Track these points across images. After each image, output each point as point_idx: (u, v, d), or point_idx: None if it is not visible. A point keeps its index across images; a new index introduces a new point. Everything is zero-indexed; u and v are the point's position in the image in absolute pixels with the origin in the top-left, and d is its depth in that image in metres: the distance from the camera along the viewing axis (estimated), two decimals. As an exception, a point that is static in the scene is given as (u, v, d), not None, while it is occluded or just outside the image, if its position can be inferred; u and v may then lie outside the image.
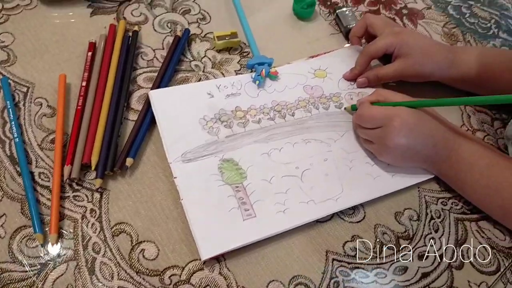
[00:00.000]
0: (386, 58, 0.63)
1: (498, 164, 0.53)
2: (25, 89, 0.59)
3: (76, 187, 0.52)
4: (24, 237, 0.49)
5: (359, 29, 0.66)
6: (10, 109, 0.56)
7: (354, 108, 0.59)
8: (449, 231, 0.55)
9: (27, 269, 0.47)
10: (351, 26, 0.69)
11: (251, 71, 0.64)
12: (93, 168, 0.53)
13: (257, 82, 0.61)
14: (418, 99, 0.55)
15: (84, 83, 0.59)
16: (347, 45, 0.69)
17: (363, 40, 0.68)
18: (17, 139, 0.54)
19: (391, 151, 0.54)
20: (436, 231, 0.54)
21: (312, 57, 0.66)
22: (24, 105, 0.57)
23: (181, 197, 0.51)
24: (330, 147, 0.58)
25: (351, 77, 0.64)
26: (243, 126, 0.58)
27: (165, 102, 0.58)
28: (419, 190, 0.57)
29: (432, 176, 0.58)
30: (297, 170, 0.55)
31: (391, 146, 0.53)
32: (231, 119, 0.59)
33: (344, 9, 0.71)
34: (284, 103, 0.61)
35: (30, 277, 0.46)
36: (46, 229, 0.49)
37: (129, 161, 0.54)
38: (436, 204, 0.57)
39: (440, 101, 0.55)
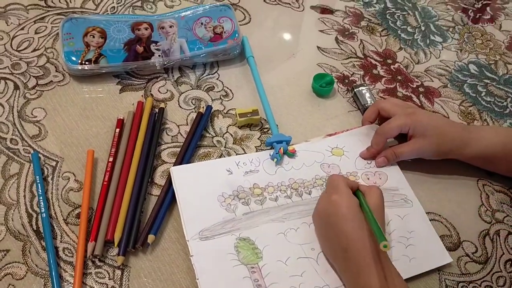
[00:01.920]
0: (401, 135, 0.65)
1: None
2: (54, 163, 0.61)
3: (99, 264, 0.54)
4: (46, 314, 0.50)
5: (371, 115, 0.68)
6: (39, 184, 0.58)
7: None
8: (469, 318, 0.54)
9: None
10: (368, 104, 0.71)
11: (270, 148, 0.66)
12: (115, 245, 0.54)
13: (275, 160, 0.63)
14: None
15: (111, 159, 0.61)
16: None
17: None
18: (44, 214, 0.56)
19: (315, 215, 0.56)
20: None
21: (330, 135, 0.68)
22: (52, 179, 0.60)
23: (197, 276, 0.52)
24: (347, 228, 0.58)
25: (368, 156, 0.66)
26: (261, 204, 0.60)
27: (185, 178, 0.60)
28: (439, 273, 0.57)
29: (451, 260, 0.57)
30: (312, 252, 0.56)
31: (317, 209, 0.56)
32: (248, 196, 0.60)
33: (362, 87, 0.73)
34: (301, 181, 0.63)
35: None
36: (67, 306, 0.50)
37: (150, 238, 0.55)
38: (457, 288, 0.56)
39: None
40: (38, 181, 0.58)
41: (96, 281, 0.52)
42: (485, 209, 0.64)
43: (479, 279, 0.57)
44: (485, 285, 0.57)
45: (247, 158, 0.64)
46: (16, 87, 0.68)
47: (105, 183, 0.59)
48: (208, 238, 0.55)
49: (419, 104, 0.75)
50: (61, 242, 0.55)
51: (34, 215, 0.57)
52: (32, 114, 0.66)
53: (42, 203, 0.57)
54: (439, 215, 0.62)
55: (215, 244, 0.55)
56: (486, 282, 0.57)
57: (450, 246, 0.60)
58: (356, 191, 0.55)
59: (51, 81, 0.70)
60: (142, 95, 0.70)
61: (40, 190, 0.58)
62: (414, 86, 0.78)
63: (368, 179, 0.64)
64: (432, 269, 0.57)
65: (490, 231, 0.62)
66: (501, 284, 0.57)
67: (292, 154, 0.65)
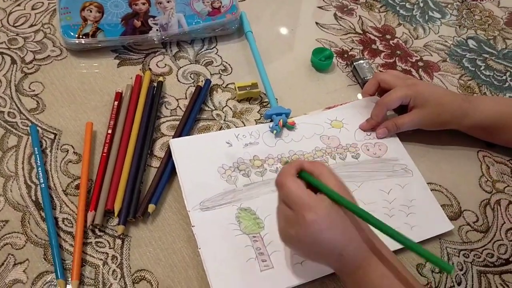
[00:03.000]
0: (401, 107, 0.65)
1: None
2: (52, 136, 0.61)
3: (99, 233, 0.53)
4: (46, 283, 0.49)
5: (371, 87, 0.67)
6: (38, 156, 0.58)
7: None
8: (472, 284, 0.54)
9: (47, 315, 0.47)
10: (368, 77, 0.71)
11: (270, 121, 0.66)
12: (116, 214, 0.54)
13: (275, 131, 0.63)
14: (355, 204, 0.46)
15: (109, 131, 0.61)
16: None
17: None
18: (43, 184, 0.55)
19: (293, 241, 0.47)
20: (459, 284, 0.54)
21: (329, 108, 0.68)
22: (51, 151, 0.60)
23: (199, 246, 0.52)
24: (348, 197, 0.58)
25: (368, 128, 0.65)
26: (261, 175, 0.59)
27: (185, 150, 0.60)
28: (440, 242, 0.57)
29: (452, 227, 0.57)
30: (314, 221, 0.55)
31: (293, 236, 0.46)
32: (249, 168, 0.60)
33: (361, 61, 0.73)
34: (301, 153, 0.62)
35: (50, 323, 0.47)
36: (68, 275, 0.50)
37: (151, 207, 0.55)
38: (458, 256, 0.56)
39: (375, 221, 0.45)
40: (37, 153, 0.58)
41: (97, 250, 0.52)
42: (486, 179, 0.64)
43: (480, 247, 0.57)
44: (487, 253, 0.57)
45: (246, 130, 0.64)
46: (13, 61, 0.68)
47: (104, 154, 0.59)
48: (209, 208, 0.55)
49: (419, 78, 0.75)
50: (60, 212, 0.54)
51: (33, 186, 0.56)
52: (30, 88, 0.65)
53: (41, 174, 0.56)
54: (440, 185, 0.62)
55: (216, 215, 0.55)
56: (488, 250, 0.57)
57: (451, 216, 0.60)
58: (301, 172, 0.48)
59: (49, 55, 0.69)
60: (140, 69, 0.69)
61: (38, 162, 0.57)
62: (414, 60, 0.77)
63: (368, 150, 0.63)
64: (433, 238, 0.57)
65: (491, 201, 0.62)
66: (503, 252, 0.57)
67: (291, 127, 0.64)
